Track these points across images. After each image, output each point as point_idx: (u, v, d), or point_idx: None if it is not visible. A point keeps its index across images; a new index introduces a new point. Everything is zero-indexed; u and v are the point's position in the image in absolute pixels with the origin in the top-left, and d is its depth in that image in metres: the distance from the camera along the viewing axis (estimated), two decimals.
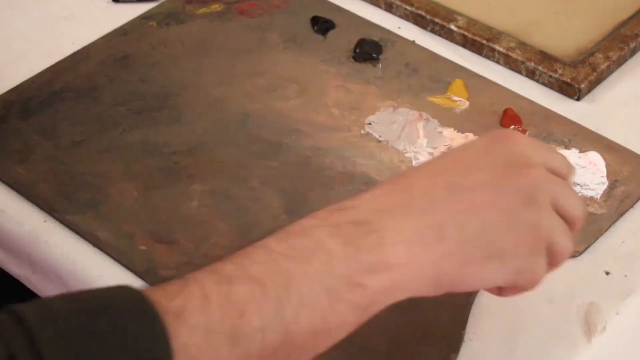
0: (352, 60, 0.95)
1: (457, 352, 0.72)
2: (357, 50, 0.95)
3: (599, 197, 0.82)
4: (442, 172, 0.62)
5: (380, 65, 0.95)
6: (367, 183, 0.83)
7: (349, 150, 0.86)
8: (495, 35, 0.95)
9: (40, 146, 0.87)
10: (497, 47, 0.94)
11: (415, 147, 0.87)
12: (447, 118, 0.89)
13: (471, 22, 0.97)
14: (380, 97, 0.91)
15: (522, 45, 0.94)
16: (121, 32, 0.99)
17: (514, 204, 0.61)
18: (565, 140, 0.86)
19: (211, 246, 0.79)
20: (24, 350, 0.51)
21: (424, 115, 0.89)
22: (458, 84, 0.92)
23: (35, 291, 0.83)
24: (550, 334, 0.73)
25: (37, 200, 0.83)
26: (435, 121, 0.89)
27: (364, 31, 0.98)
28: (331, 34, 0.98)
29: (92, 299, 0.55)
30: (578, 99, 0.91)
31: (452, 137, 0.87)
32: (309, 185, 0.83)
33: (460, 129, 0.88)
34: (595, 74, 0.92)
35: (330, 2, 1.01)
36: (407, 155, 0.86)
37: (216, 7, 1.01)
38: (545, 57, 0.93)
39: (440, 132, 0.88)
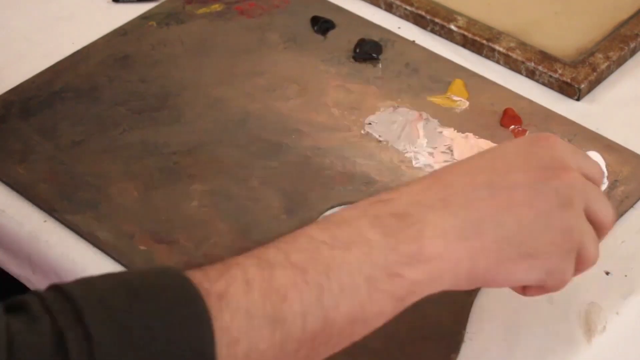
0: (352, 60, 0.95)
1: (457, 352, 0.72)
2: (357, 50, 0.95)
3: None
4: (481, 170, 0.63)
5: (380, 65, 0.95)
6: (367, 183, 0.83)
7: (349, 150, 0.86)
8: (495, 35, 0.96)
9: (40, 146, 0.87)
10: (497, 47, 0.94)
11: (415, 147, 0.87)
12: (447, 118, 0.89)
13: (471, 22, 0.97)
14: (380, 97, 0.91)
15: (522, 45, 0.94)
16: (121, 32, 0.99)
17: (549, 205, 0.62)
18: (565, 140, 0.86)
19: (211, 246, 0.79)
20: (71, 327, 0.52)
21: (424, 115, 0.89)
22: (458, 84, 0.92)
23: None
24: (550, 334, 0.73)
25: (37, 200, 0.83)
26: (435, 121, 0.89)
27: (364, 31, 0.98)
28: (331, 34, 0.98)
29: (136, 279, 0.56)
30: (578, 99, 0.91)
31: (452, 137, 0.87)
32: (309, 185, 0.83)
33: (460, 129, 0.88)
34: (595, 74, 0.92)
35: (330, 2, 1.01)
36: (407, 155, 0.86)
37: (216, 7, 1.01)
38: (545, 57, 0.93)
39: (440, 132, 0.88)
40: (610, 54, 0.93)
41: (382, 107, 0.90)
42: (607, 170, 0.84)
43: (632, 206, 0.82)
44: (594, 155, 0.85)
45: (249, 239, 0.79)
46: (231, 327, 0.55)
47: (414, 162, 0.85)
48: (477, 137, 0.87)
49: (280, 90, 0.92)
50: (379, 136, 0.88)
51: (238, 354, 0.55)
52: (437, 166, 0.84)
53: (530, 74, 0.93)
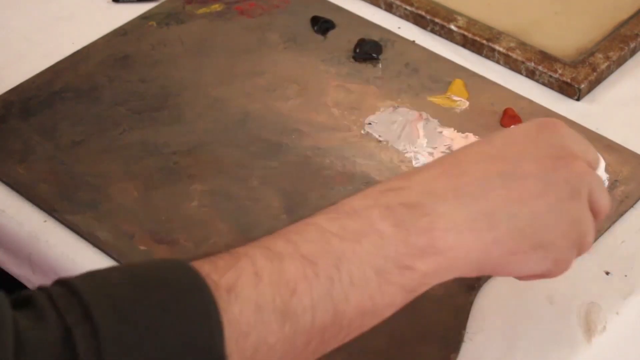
0: (352, 60, 0.95)
1: (457, 352, 0.72)
2: (357, 50, 0.95)
3: None
4: (492, 158, 0.63)
5: (380, 65, 0.95)
6: (367, 183, 0.83)
7: (348, 150, 0.86)
8: (495, 35, 0.96)
9: (40, 146, 0.87)
10: (497, 47, 0.94)
11: (415, 147, 0.87)
12: (447, 118, 0.89)
13: (471, 22, 0.97)
14: (380, 97, 0.91)
15: (522, 45, 0.94)
16: (121, 32, 0.99)
17: (561, 197, 0.63)
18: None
19: (211, 246, 0.79)
20: (79, 323, 0.52)
21: (424, 115, 0.89)
22: (458, 84, 0.92)
23: None
24: (550, 334, 0.73)
25: (37, 200, 0.83)
26: (435, 121, 0.89)
27: (364, 31, 0.98)
28: (331, 34, 0.98)
29: (144, 271, 0.56)
30: (578, 99, 0.91)
31: (452, 137, 0.87)
32: (309, 185, 0.83)
33: (460, 129, 0.88)
34: (595, 74, 0.92)
35: (330, 2, 1.01)
36: (407, 155, 0.86)
37: (216, 7, 1.01)
38: (545, 57, 0.93)
39: (440, 132, 0.88)
40: (610, 54, 0.93)
41: (382, 107, 0.90)
42: (607, 170, 0.84)
43: (632, 206, 0.82)
44: None
45: (249, 239, 0.79)
46: (240, 321, 0.55)
47: (414, 162, 0.85)
48: (477, 137, 0.87)
49: (280, 90, 0.92)
50: (379, 136, 0.88)
51: (247, 348, 0.55)
52: None
53: (530, 74, 0.93)
